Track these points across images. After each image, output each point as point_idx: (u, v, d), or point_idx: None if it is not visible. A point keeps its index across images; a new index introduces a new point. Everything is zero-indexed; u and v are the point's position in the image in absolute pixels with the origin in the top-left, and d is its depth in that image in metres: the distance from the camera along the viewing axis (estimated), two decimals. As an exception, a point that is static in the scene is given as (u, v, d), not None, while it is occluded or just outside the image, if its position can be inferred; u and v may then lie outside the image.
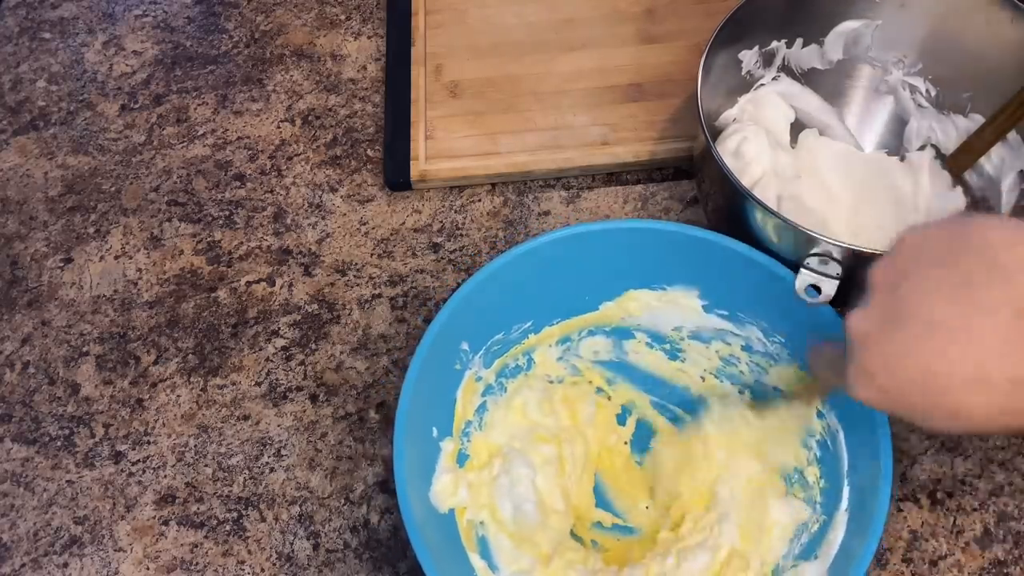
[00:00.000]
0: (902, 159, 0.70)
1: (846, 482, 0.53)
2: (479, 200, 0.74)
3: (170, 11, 0.89)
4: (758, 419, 0.58)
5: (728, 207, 0.62)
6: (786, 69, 0.70)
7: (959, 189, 0.66)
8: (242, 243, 0.74)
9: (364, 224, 0.74)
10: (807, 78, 0.71)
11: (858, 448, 0.53)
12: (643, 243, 0.57)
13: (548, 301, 0.60)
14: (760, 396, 0.60)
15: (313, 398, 0.66)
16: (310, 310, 0.70)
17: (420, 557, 0.48)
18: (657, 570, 0.54)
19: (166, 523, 0.62)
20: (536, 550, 0.55)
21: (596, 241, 0.58)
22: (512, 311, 0.59)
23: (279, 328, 0.69)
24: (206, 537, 0.62)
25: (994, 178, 0.65)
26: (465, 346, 0.58)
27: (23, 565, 0.61)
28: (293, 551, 0.61)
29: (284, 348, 0.69)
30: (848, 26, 0.68)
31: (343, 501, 0.62)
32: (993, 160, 0.65)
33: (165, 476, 0.64)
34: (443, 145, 0.75)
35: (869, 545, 0.48)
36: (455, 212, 0.74)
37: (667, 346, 0.63)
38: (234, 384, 0.67)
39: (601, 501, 0.60)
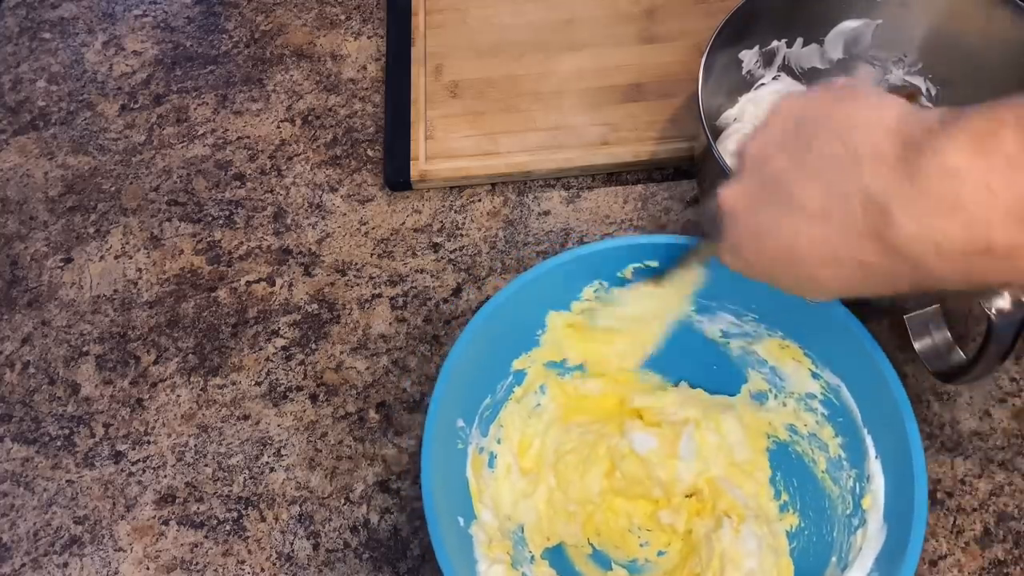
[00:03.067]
0: (902, 159, 0.70)
1: (866, 431, 0.52)
2: (479, 200, 0.74)
3: (170, 11, 0.89)
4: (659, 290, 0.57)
5: (728, 207, 0.62)
6: (786, 69, 0.70)
7: (959, 188, 0.66)
8: (242, 243, 0.74)
9: (364, 224, 0.74)
10: (807, 77, 0.71)
11: (868, 397, 0.52)
12: (585, 268, 0.56)
13: (520, 349, 0.58)
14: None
15: (313, 398, 0.66)
16: (310, 310, 0.70)
17: None
18: None
19: (166, 523, 0.62)
20: None
21: (544, 283, 0.56)
22: (492, 372, 0.57)
23: (279, 328, 0.69)
24: (206, 537, 0.62)
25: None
26: (461, 423, 0.55)
27: (23, 565, 0.61)
28: (293, 551, 0.61)
29: (284, 348, 0.68)
30: (848, 25, 0.68)
31: (343, 501, 0.62)
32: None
33: (165, 476, 0.64)
34: (443, 145, 0.75)
35: (919, 493, 0.47)
36: (455, 212, 0.74)
37: None
38: (234, 384, 0.67)
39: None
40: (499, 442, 0.58)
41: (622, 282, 0.57)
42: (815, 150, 0.39)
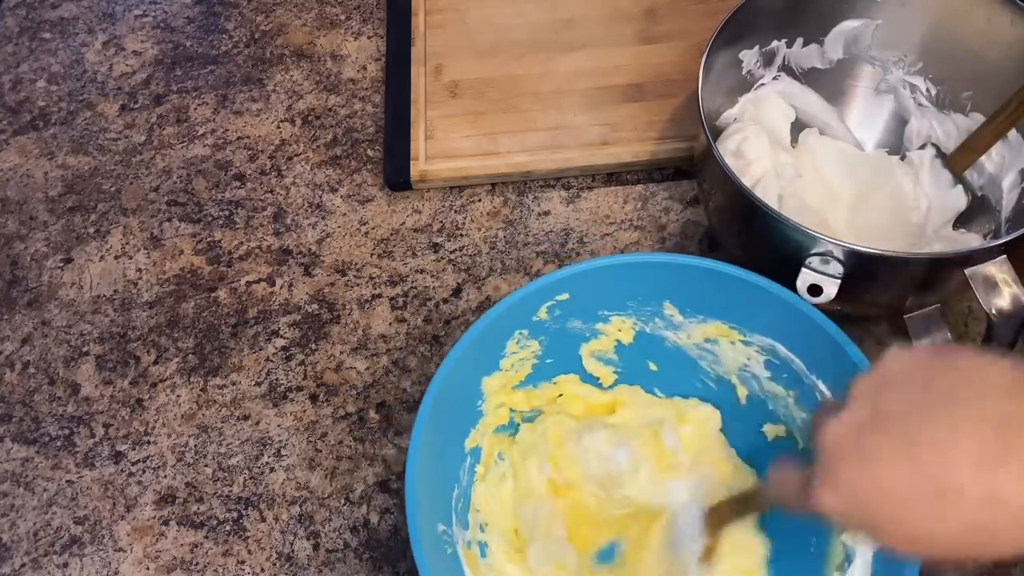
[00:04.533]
0: (903, 158, 0.70)
1: (814, 377, 0.53)
2: (479, 200, 0.74)
3: (170, 11, 0.89)
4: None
5: (729, 207, 0.62)
6: (786, 69, 0.70)
7: (960, 188, 0.66)
8: (242, 243, 0.74)
9: (364, 224, 0.74)
10: (807, 77, 0.71)
11: (803, 346, 0.53)
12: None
13: (467, 426, 0.58)
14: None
15: (313, 398, 0.66)
16: (310, 310, 0.70)
17: None
18: None
19: (166, 523, 0.62)
20: None
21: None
22: (450, 460, 0.56)
23: (279, 328, 0.69)
24: (206, 537, 0.62)
25: (995, 176, 0.65)
26: (442, 527, 0.53)
27: (23, 565, 0.61)
28: (293, 551, 0.61)
29: (284, 348, 0.68)
30: (848, 25, 0.68)
31: (343, 501, 0.62)
32: (994, 159, 0.65)
33: (165, 476, 0.64)
34: (443, 145, 0.75)
35: None
36: (455, 212, 0.74)
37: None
38: (234, 384, 0.67)
39: None
40: (483, 529, 0.57)
41: (540, 327, 0.57)
42: (934, 385, 0.37)
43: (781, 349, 0.55)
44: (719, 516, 0.54)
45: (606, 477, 0.59)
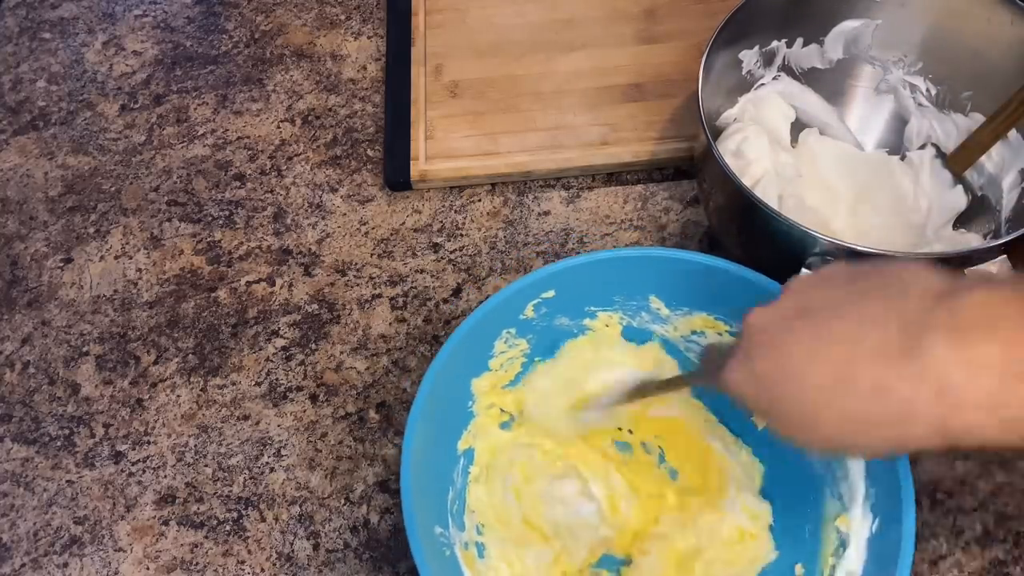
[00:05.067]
0: (903, 158, 0.70)
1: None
2: (479, 200, 0.74)
3: (170, 11, 0.89)
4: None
5: (729, 207, 0.62)
6: (786, 69, 0.70)
7: (960, 188, 0.66)
8: (242, 243, 0.74)
9: (364, 224, 0.74)
10: (807, 78, 0.71)
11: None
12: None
13: (459, 428, 0.58)
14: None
15: (313, 398, 0.66)
16: (310, 310, 0.70)
17: None
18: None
19: (166, 523, 0.62)
20: None
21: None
22: (444, 462, 0.56)
23: (279, 328, 0.69)
24: (206, 537, 0.62)
25: (995, 176, 0.65)
26: (439, 529, 0.53)
27: (23, 565, 0.61)
28: (293, 551, 0.61)
29: (284, 348, 0.68)
30: (848, 25, 0.68)
31: (343, 501, 0.62)
32: (994, 158, 0.65)
33: (165, 476, 0.64)
34: (443, 145, 0.75)
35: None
36: (455, 212, 0.74)
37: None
38: (234, 384, 0.67)
39: None
40: (479, 531, 0.57)
41: (527, 325, 0.57)
42: (860, 285, 0.39)
43: None
44: (641, 391, 0.57)
45: (568, 529, 0.59)
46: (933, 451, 0.36)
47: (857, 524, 0.51)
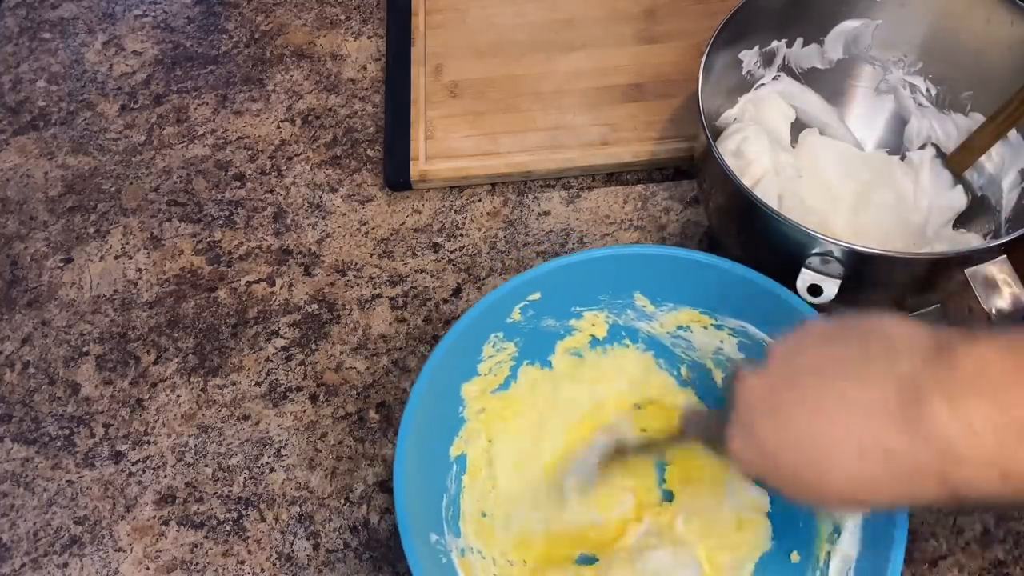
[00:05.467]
0: (903, 158, 0.70)
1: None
2: (479, 200, 0.74)
3: (170, 11, 0.89)
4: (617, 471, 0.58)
5: (729, 207, 0.62)
6: (786, 69, 0.70)
7: (960, 188, 0.66)
8: (242, 243, 0.74)
9: (364, 224, 0.74)
10: (807, 78, 0.71)
11: (772, 322, 0.53)
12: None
13: (451, 434, 0.58)
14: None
15: (313, 398, 0.66)
16: (310, 310, 0.70)
17: None
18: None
19: (166, 523, 0.62)
20: None
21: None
22: (437, 468, 0.56)
23: (279, 328, 0.69)
24: (206, 537, 0.62)
25: (995, 176, 0.65)
26: (435, 536, 0.53)
27: (23, 565, 0.61)
28: (293, 551, 0.61)
29: (284, 348, 0.68)
30: (848, 25, 0.68)
31: (343, 501, 0.62)
32: (994, 158, 0.65)
33: (165, 476, 0.64)
34: (443, 145, 0.75)
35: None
36: (455, 212, 0.74)
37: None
38: (234, 384, 0.67)
39: None
40: (475, 536, 0.57)
41: (514, 328, 0.57)
42: (850, 347, 0.39)
43: (752, 329, 0.56)
44: (620, 453, 0.57)
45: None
46: (943, 507, 0.36)
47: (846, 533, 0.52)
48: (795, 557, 0.55)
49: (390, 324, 0.69)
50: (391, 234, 0.73)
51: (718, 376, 0.60)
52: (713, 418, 0.45)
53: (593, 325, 0.60)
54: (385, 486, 0.62)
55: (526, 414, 0.61)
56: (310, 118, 0.80)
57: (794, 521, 0.56)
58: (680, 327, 0.59)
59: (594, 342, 0.61)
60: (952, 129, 0.68)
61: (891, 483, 0.37)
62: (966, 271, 0.54)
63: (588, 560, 0.58)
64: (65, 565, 0.61)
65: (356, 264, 0.72)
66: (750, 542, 0.57)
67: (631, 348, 0.62)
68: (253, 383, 0.67)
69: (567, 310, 0.59)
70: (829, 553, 0.52)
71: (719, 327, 0.57)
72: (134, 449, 0.65)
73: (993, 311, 0.53)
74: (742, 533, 0.57)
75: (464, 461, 0.58)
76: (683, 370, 0.61)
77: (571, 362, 0.62)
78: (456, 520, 0.56)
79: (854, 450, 0.37)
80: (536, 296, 0.56)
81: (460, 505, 0.57)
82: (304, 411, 0.66)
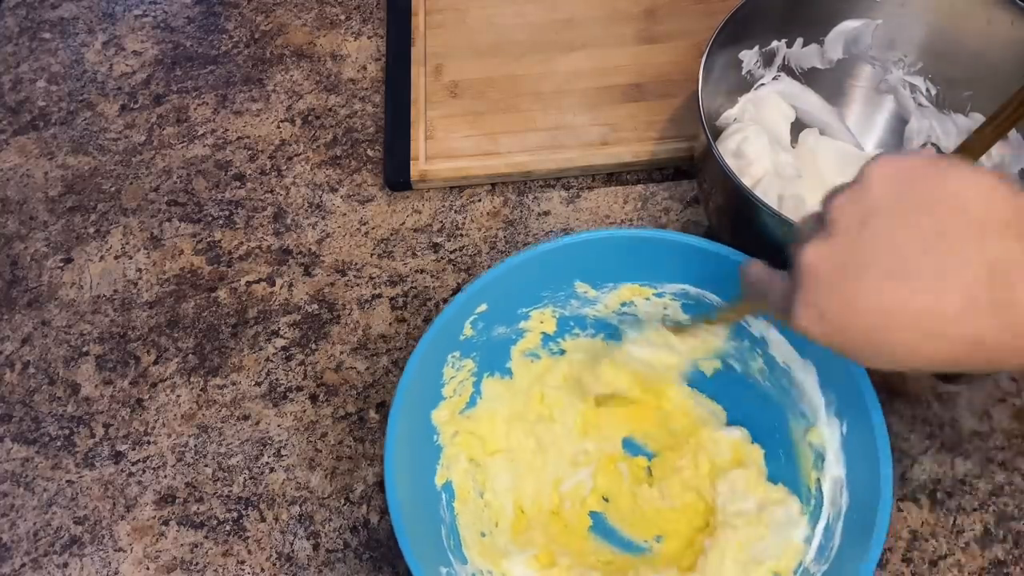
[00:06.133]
0: (902, 158, 0.70)
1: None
2: (479, 200, 0.74)
3: (170, 11, 0.89)
4: (680, 342, 0.58)
5: (729, 207, 0.62)
6: (786, 69, 0.70)
7: (960, 188, 0.66)
8: (242, 243, 0.74)
9: (364, 224, 0.74)
10: (807, 78, 0.71)
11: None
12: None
13: (432, 463, 0.57)
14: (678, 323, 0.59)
15: (313, 398, 0.66)
16: (310, 310, 0.70)
17: None
18: None
19: (166, 523, 0.62)
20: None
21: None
22: (429, 499, 0.56)
23: (279, 328, 0.69)
24: (206, 537, 0.62)
25: (995, 177, 0.65)
26: (445, 571, 0.52)
27: (23, 565, 0.61)
28: (293, 551, 0.61)
29: (284, 348, 0.68)
30: (848, 25, 0.68)
31: (343, 501, 0.62)
32: (994, 159, 0.65)
33: (165, 476, 0.64)
34: (443, 145, 0.75)
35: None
36: (455, 212, 0.74)
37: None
38: (234, 384, 0.67)
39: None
40: (481, 558, 0.57)
41: (469, 344, 0.58)
42: (923, 215, 0.36)
43: (691, 289, 0.57)
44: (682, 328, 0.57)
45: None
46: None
47: (827, 433, 0.53)
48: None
49: (390, 324, 0.69)
50: (391, 234, 0.73)
51: None
52: (776, 282, 0.43)
53: (542, 323, 0.60)
54: (385, 486, 0.62)
55: (498, 427, 0.61)
56: (310, 118, 0.80)
57: (776, 460, 0.58)
58: (623, 304, 0.60)
59: (546, 339, 0.62)
60: (952, 129, 0.68)
61: (976, 360, 0.36)
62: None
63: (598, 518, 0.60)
64: (65, 565, 0.61)
65: (356, 264, 0.72)
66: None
67: (581, 336, 0.62)
68: (253, 383, 0.67)
69: (514, 314, 0.59)
70: (819, 480, 0.53)
71: (660, 295, 0.59)
72: (134, 449, 0.65)
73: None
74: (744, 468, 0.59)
75: (451, 488, 0.57)
76: None
77: (528, 365, 0.62)
78: (459, 548, 0.56)
79: (939, 335, 0.36)
80: (483, 308, 0.56)
81: (458, 532, 0.56)
82: (304, 411, 0.66)
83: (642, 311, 0.60)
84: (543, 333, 0.61)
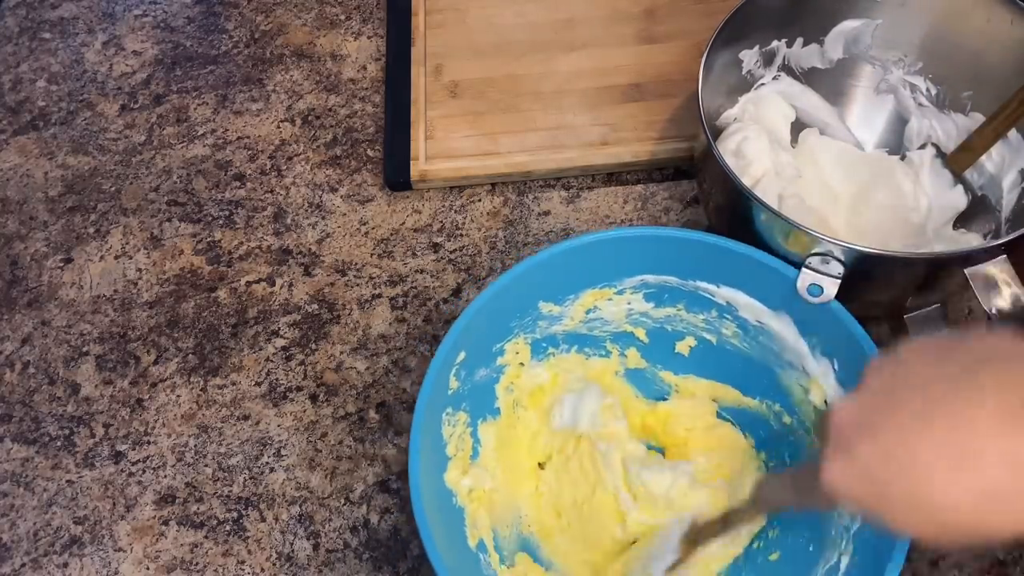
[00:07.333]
0: (903, 158, 0.70)
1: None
2: (479, 200, 0.74)
3: (170, 11, 0.89)
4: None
5: (729, 206, 0.62)
6: (786, 68, 0.70)
7: (960, 188, 0.66)
8: (242, 243, 0.74)
9: (364, 224, 0.74)
10: (807, 77, 0.71)
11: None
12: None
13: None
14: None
15: (313, 398, 0.66)
16: (310, 310, 0.70)
17: None
18: None
19: (166, 523, 0.62)
20: None
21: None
22: (466, 563, 0.55)
23: (279, 328, 0.69)
24: (206, 537, 0.62)
25: (995, 176, 0.65)
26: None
27: (23, 565, 0.61)
28: (293, 551, 0.61)
29: (284, 348, 0.68)
30: (848, 25, 0.68)
31: (343, 501, 0.62)
32: (994, 158, 0.65)
33: (165, 476, 0.64)
34: (443, 145, 0.75)
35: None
36: (455, 212, 0.74)
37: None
38: (234, 384, 0.67)
39: None
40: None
41: (458, 396, 0.57)
42: (948, 363, 0.35)
43: (650, 278, 0.58)
44: (702, 533, 0.55)
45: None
46: None
47: (819, 375, 0.55)
48: (787, 421, 0.58)
49: (390, 324, 0.69)
50: (391, 234, 0.73)
51: (641, 333, 0.62)
52: (792, 473, 0.43)
53: (517, 353, 0.60)
54: (385, 486, 0.62)
55: (506, 472, 0.60)
56: (310, 118, 0.80)
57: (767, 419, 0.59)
58: (588, 311, 0.60)
59: (524, 367, 0.61)
60: (952, 129, 0.68)
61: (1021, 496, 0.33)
62: (966, 271, 0.54)
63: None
64: (65, 565, 0.61)
65: (356, 264, 0.72)
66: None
67: (557, 354, 0.62)
68: (253, 383, 0.67)
69: (490, 352, 0.59)
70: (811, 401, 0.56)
71: (620, 292, 0.59)
72: (134, 449, 0.65)
73: (993, 311, 0.53)
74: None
75: (484, 546, 0.56)
76: (608, 346, 0.63)
77: (513, 401, 0.62)
78: (514, 547, 0.56)
79: (975, 462, 0.33)
80: (462, 356, 0.56)
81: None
82: (304, 411, 0.66)
83: (608, 313, 0.60)
84: (520, 363, 0.61)
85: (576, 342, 0.62)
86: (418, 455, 0.51)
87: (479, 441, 0.59)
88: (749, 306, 0.57)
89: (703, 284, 0.58)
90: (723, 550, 0.57)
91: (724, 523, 0.53)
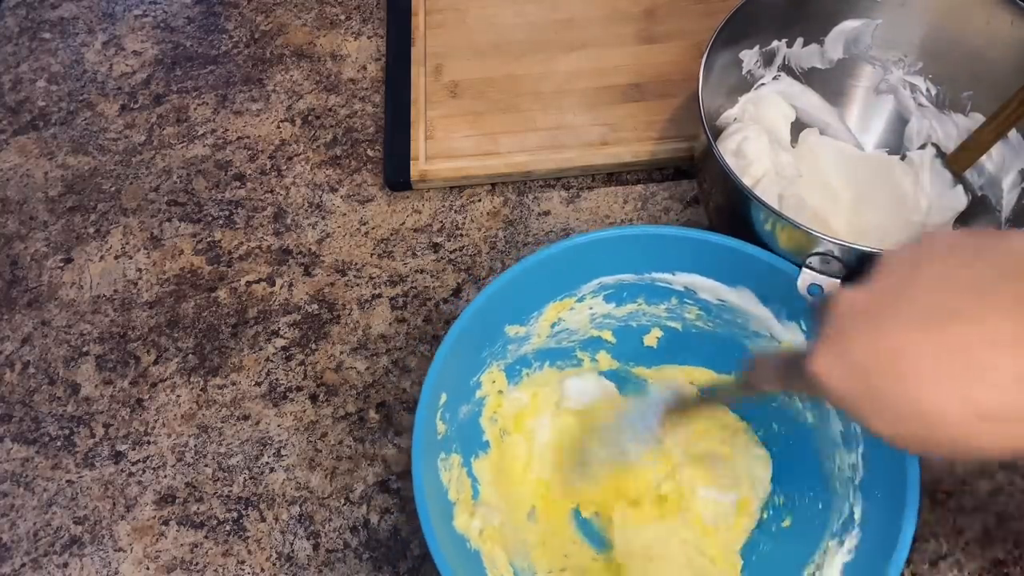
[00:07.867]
0: (903, 158, 0.70)
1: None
2: (479, 200, 0.74)
3: (170, 11, 0.89)
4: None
5: (729, 206, 0.62)
6: (787, 68, 0.70)
7: (960, 188, 0.66)
8: (242, 243, 0.74)
9: (364, 224, 0.74)
10: (808, 77, 0.71)
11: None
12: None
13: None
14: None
15: (313, 398, 0.66)
16: (310, 310, 0.70)
17: None
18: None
19: (166, 523, 0.62)
20: None
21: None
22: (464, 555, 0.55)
23: (279, 328, 0.69)
24: (206, 537, 0.62)
25: (995, 176, 0.65)
26: None
27: (23, 565, 0.61)
28: (293, 551, 0.61)
29: (284, 348, 0.68)
30: (848, 25, 0.68)
31: (343, 501, 0.62)
32: (994, 158, 0.65)
33: (165, 476, 0.64)
34: (443, 145, 0.75)
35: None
36: (455, 212, 0.74)
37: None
38: (234, 384, 0.67)
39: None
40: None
41: (447, 440, 0.56)
42: (971, 265, 0.32)
43: (607, 279, 0.58)
44: (683, 407, 0.56)
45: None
46: None
47: (789, 340, 0.55)
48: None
49: (390, 324, 0.69)
50: (391, 234, 0.73)
51: (607, 335, 0.62)
52: (786, 357, 0.40)
53: (493, 382, 0.60)
54: (385, 486, 0.63)
55: (506, 502, 0.60)
56: (310, 118, 0.80)
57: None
58: (553, 324, 0.60)
59: (503, 394, 0.61)
60: (952, 129, 0.68)
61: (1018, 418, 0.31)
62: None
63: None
64: (65, 565, 0.61)
65: (356, 264, 0.72)
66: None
67: (531, 374, 0.62)
68: (253, 383, 0.67)
69: (468, 387, 0.58)
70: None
71: (581, 299, 0.59)
72: (134, 449, 0.65)
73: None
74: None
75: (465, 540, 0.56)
76: (578, 354, 0.63)
77: (499, 431, 0.61)
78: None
79: (983, 376, 0.31)
80: (443, 399, 0.55)
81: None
82: (304, 411, 0.66)
83: (572, 322, 0.60)
84: (499, 390, 0.61)
85: (547, 357, 0.62)
86: (427, 511, 0.50)
87: (476, 479, 0.58)
88: (707, 287, 0.57)
89: (659, 275, 0.58)
90: (737, 526, 0.58)
91: (709, 400, 0.54)
